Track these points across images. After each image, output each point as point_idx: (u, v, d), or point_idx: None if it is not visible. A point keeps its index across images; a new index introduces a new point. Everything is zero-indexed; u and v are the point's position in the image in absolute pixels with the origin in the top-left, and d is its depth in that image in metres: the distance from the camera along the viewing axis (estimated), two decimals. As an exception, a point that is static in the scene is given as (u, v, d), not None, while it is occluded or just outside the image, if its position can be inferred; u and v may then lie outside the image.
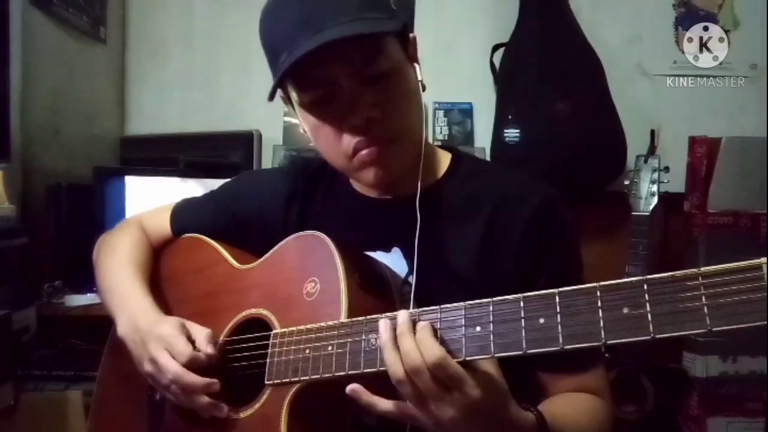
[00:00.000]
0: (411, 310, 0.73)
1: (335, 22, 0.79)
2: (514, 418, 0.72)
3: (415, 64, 0.92)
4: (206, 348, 0.89)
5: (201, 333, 0.91)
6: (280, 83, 0.83)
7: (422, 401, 0.68)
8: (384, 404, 0.72)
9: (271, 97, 0.84)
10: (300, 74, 0.83)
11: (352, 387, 0.73)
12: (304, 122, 0.92)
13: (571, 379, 0.90)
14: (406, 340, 0.68)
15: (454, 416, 0.67)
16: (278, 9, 0.86)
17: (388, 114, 0.85)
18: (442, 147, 1.04)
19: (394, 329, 0.70)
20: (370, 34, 0.81)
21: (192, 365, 0.87)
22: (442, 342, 0.68)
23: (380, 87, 0.85)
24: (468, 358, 0.67)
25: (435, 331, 0.69)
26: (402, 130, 0.88)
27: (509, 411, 0.71)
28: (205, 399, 0.87)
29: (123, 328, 0.95)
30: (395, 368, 0.68)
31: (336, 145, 0.88)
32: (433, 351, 0.66)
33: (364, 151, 0.86)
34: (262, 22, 0.87)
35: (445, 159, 1.00)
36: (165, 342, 0.89)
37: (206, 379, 0.86)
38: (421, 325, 0.69)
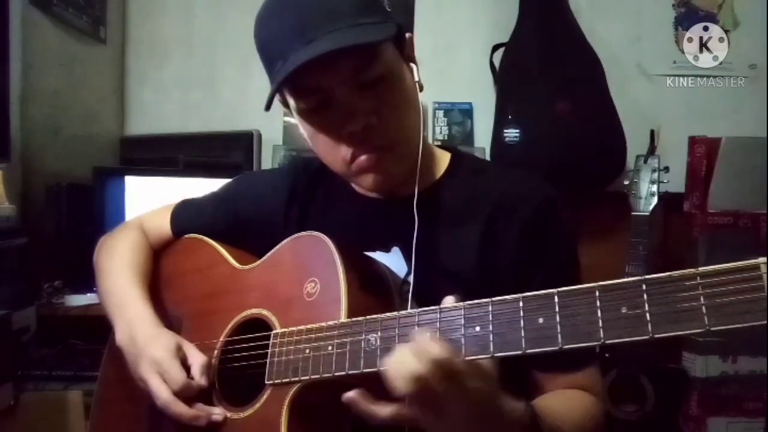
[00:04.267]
0: (409, 310, 0.73)
1: (329, 29, 0.79)
2: (505, 406, 0.72)
3: (412, 65, 0.91)
4: (200, 379, 0.88)
5: (197, 360, 0.90)
6: (276, 92, 0.83)
7: (427, 401, 0.67)
8: (383, 412, 0.70)
9: (268, 107, 0.83)
10: (295, 83, 0.83)
11: (349, 396, 0.71)
12: (302, 128, 0.92)
13: (565, 378, 0.90)
14: (413, 345, 0.66)
15: (453, 409, 0.67)
16: (273, 14, 0.85)
17: (385, 119, 0.85)
18: (442, 147, 1.04)
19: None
20: (364, 43, 0.80)
21: (183, 394, 0.87)
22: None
23: (376, 92, 0.84)
24: (468, 358, 0.66)
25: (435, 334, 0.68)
26: (400, 134, 0.87)
27: (500, 399, 0.71)
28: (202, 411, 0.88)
29: (120, 338, 0.95)
30: (401, 381, 0.66)
31: (334, 152, 0.88)
32: (440, 350, 0.64)
33: (362, 158, 0.86)
34: (257, 28, 0.87)
35: (444, 159, 0.99)
36: (158, 366, 0.88)
37: (193, 411, 0.86)
38: (421, 330, 0.68)
